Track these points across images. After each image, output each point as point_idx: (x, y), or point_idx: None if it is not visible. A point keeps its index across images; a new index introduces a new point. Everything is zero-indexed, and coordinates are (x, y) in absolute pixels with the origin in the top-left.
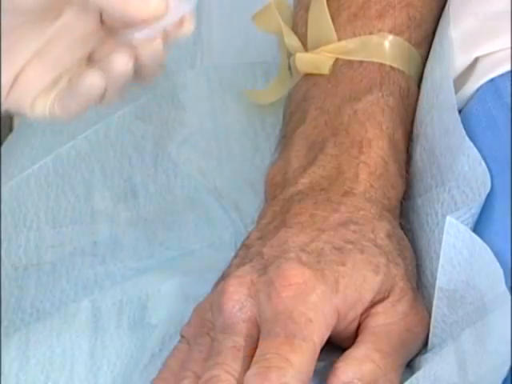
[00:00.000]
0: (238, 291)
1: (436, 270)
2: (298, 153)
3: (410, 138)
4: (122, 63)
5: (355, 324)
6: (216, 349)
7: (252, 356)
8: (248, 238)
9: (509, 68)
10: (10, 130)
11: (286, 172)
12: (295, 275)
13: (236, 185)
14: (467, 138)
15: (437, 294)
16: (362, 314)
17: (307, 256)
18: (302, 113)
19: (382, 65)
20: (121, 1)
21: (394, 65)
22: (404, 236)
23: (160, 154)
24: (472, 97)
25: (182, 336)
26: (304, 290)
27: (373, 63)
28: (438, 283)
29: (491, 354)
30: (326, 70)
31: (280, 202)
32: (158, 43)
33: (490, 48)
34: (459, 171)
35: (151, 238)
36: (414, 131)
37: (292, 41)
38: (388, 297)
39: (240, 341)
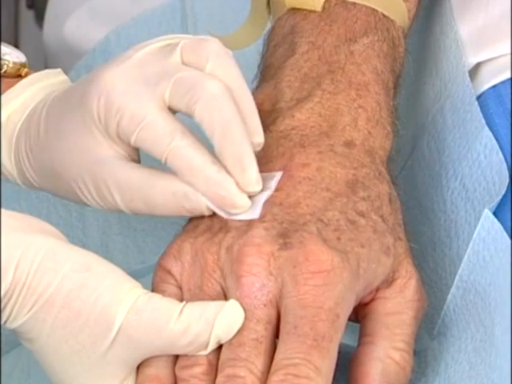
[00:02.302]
0: (258, 263)
1: (439, 257)
2: (289, 83)
3: (396, 88)
4: None
5: (356, 303)
6: (236, 337)
7: (273, 347)
8: None
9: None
10: None
11: (277, 101)
12: (324, 261)
13: None
14: (486, 128)
15: (456, 283)
16: (365, 296)
17: (326, 230)
18: (290, 45)
19: (374, 10)
20: None
21: (385, 13)
22: (397, 196)
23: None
24: None
25: (167, 271)
26: (333, 280)
27: (366, 7)
28: (460, 272)
29: (500, 353)
30: (319, 7)
31: (273, 133)
32: None
33: (492, 53)
34: (474, 160)
35: (142, 246)
36: (420, 119)
37: None
38: (394, 279)
39: (261, 330)
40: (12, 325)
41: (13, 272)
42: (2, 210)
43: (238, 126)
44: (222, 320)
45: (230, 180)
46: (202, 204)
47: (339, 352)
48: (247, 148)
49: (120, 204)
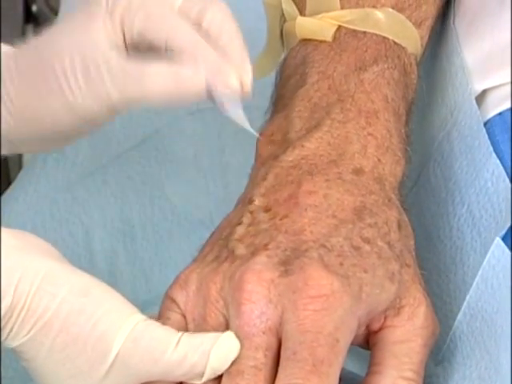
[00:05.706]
0: (257, 291)
1: (444, 283)
2: (300, 113)
3: (409, 115)
4: None
5: (361, 329)
6: (235, 365)
7: (274, 374)
8: (250, 200)
9: None
10: (20, 167)
11: (287, 131)
12: (324, 286)
13: None
14: (494, 155)
15: (463, 310)
16: (373, 323)
17: (329, 256)
18: (301, 75)
19: (385, 38)
20: None
21: (397, 40)
22: (408, 221)
23: (157, 194)
24: None
25: (173, 300)
26: (332, 304)
27: (377, 35)
28: (468, 299)
29: (505, 381)
30: (329, 37)
31: (283, 163)
32: None
33: (498, 80)
34: (481, 187)
35: (149, 275)
36: (425, 147)
37: (289, 6)
38: (402, 306)
39: (261, 358)
40: (10, 344)
41: (12, 294)
42: (2, 227)
43: (242, 38)
44: (217, 352)
45: (228, 63)
46: (200, 78)
47: (342, 379)
48: (247, 53)
49: (111, 90)
